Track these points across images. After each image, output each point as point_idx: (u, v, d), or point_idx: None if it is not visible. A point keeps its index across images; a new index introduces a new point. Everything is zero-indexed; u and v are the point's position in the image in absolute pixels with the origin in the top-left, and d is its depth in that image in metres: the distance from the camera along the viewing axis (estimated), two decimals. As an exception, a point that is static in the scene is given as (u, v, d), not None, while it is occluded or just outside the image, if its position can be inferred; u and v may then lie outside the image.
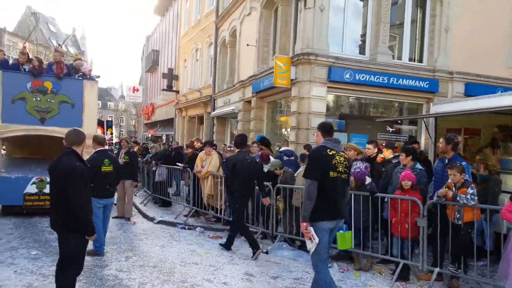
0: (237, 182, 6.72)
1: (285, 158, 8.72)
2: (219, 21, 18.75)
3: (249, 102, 14.74)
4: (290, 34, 12.48)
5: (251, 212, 8.06)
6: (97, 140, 6.79)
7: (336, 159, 4.25)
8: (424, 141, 11.17)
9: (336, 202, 4.26)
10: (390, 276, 5.94)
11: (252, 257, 6.54)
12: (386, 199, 6.10)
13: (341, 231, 6.01)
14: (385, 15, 11.12)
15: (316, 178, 4.14)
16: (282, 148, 9.73)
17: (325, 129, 4.48)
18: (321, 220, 4.16)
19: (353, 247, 6.07)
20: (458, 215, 5.33)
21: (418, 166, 6.24)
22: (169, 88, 26.83)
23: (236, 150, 7.21)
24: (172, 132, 27.86)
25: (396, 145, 7.89)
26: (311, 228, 4.13)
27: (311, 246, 4.17)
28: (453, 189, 5.34)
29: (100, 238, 6.06)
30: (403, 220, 5.72)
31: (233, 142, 7.82)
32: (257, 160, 7.58)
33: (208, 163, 8.79)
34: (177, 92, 26.40)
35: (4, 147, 11.08)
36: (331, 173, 4.19)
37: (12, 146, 10.78)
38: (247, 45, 14.43)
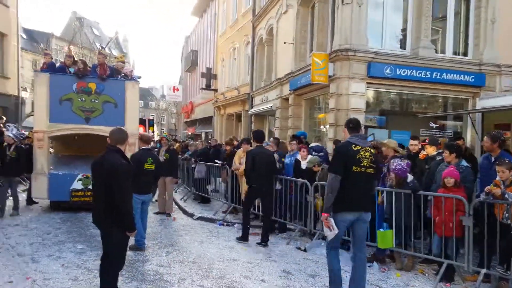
0: (255, 175, 7.11)
1: (314, 154, 8.67)
2: (256, 20, 18.80)
3: (286, 99, 14.69)
4: (327, 30, 12.31)
5: (288, 209, 8.01)
6: (143, 139, 7.17)
7: (361, 154, 4.40)
8: (470, 137, 10.70)
9: (359, 195, 4.41)
10: (434, 276, 5.73)
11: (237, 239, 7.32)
12: (429, 197, 5.88)
13: (381, 230, 5.92)
14: (427, 8, 10.79)
15: (339, 172, 4.33)
16: (312, 144, 9.63)
17: (351, 125, 4.63)
18: (343, 211, 4.37)
19: (394, 246, 5.93)
20: (507, 214, 5.06)
21: (464, 163, 5.98)
22: (208, 87, 27.21)
23: (255, 145, 7.48)
24: (211, 130, 28.24)
25: (439, 141, 7.60)
26: (331, 219, 4.35)
27: (329, 234, 4.44)
28: (502, 187, 5.08)
29: (140, 232, 6.23)
30: (447, 219, 5.50)
31: (252, 137, 8.16)
32: (273, 155, 7.88)
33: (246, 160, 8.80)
34: (216, 90, 26.74)
35: (52, 145, 11.60)
36: (354, 167, 4.35)
37: (59, 145, 11.27)
38: (284, 42, 14.37)
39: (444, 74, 10.68)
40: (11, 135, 9.40)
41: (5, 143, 9.06)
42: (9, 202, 9.15)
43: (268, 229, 7.27)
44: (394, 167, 5.99)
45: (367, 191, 4.55)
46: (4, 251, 6.15)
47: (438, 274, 5.54)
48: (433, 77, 10.64)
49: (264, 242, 7.11)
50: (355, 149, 4.39)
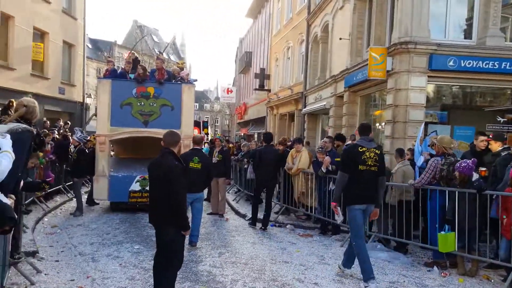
0: (260, 170, 8.50)
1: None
2: (311, 18, 18.58)
3: (341, 97, 14.32)
4: (386, 23, 11.83)
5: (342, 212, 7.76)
6: (195, 140, 7.45)
7: (366, 155, 5.14)
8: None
9: (365, 190, 5.17)
10: (501, 283, 5.28)
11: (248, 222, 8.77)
12: (494, 197, 5.40)
13: (443, 232, 5.53)
14: (496, -5, 9.96)
15: (346, 171, 5.21)
16: (348, 142, 9.29)
17: (361, 129, 5.48)
18: (353, 203, 5.21)
19: (456, 249, 5.52)
20: None
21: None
22: (261, 87, 27.34)
23: (264, 145, 8.84)
24: (264, 130, 28.32)
25: (506, 136, 6.98)
26: (339, 208, 5.40)
27: (337, 219, 5.60)
28: None
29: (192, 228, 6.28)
30: (517, 221, 5.01)
31: (262, 139, 9.50)
32: (278, 152, 8.94)
33: (298, 160, 8.68)
34: (269, 91, 26.78)
35: (113, 148, 12.17)
36: (360, 166, 5.11)
37: (118, 147, 11.78)
38: (340, 38, 14.03)
39: (515, 64, 9.81)
40: (76, 138, 9.98)
41: (71, 146, 9.60)
42: (73, 203, 9.66)
43: (269, 215, 8.41)
44: (458, 165, 5.58)
45: (373, 186, 5.22)
46: (67, 251, 6.49)
47: (506, 281, 5.09)
48: (502, 67, 9.82)
49: (264, 226, 8.28)
50: (361, 150, 5.14)
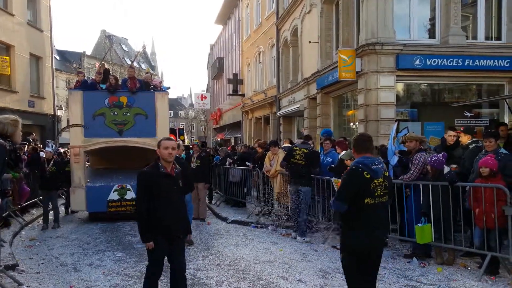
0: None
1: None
2: (280, 22, 18.84)
3: (314, 99, 14.59)
4: (353, 26, 12.17)
5: (322, 209, 7.92)
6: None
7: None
8: (509, 123, 10.23)
9: None
10: (477, 270, 5.51)
11: None
12: (466, 188, 5.66)
13: (419, 225, 5.74)
14: (455, -5, 10.42)
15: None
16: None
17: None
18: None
19: (433, 240, 5.74)
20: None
21: (503, 150, 5.72)
22: (235, 92, 27.45)
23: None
24: (240, 135, 28.42)
25: (475, 130, 7.32)
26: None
27: None
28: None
29: None
30: (489, 209, 5.28)
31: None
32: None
33: (276, 162, 8.81)
34: (243, 95, 26.92)
35: (88, 159, 11.99)
36: None
37: (94, 158, 11.63)
38: (309, 42, 14.31)
39: (477, 60, 10.30)
40: (51, 150, 9.79)
41: (42, 158, 9.43)
42: (50, 216, 9.48)
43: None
44: (430, 159, 5.82)
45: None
46: (48, 262, 6.38)
47: (481, 267, 5.33)
48: (466, 64, 10.30)
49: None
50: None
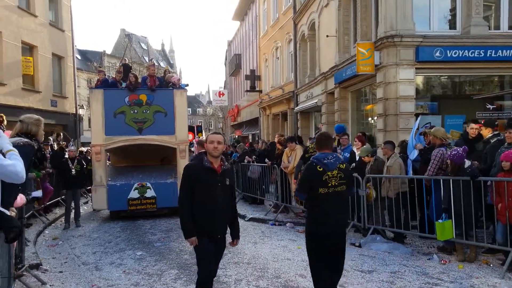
0: None
1: None
2: (297, 17, 18.70)
3: (332, 93, 14.46)
4: (371, 19, 11.98)
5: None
6: (201, 144, 7.63)
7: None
8: (534, 116, 9.92)
9: None
10: (500, 266, 5.39)
11: None
12: (488, 183, 5.52)
13: (440, 221, 5.64)
14: (477, -16, 10.13)
15: None
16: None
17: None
18: None
19: (454, 237, 5.63)
20: None
21: (527, 143, 5.55)
22: (252, 88, 27.39)
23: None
24: (258, 131, 28.40)
25: (497, 122, 7.12)
26: None
27: None
28: None
29: None
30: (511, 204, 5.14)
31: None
32: None
33: (293, 158, 8.78)
34: (260, 91, 26.86)
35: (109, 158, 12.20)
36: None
37: (114, 157, 11.80)
38: (327, 36, 14.16)
39: (500, 51, 10.00)
40: (74, 149, 10.01)
41: (65, 157, 9.64)
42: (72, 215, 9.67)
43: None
44: (450, 153, 5.70)
45: None
46: (70, 261, 6.54)
47: (504, 264, 5.20)
48: (488, 55, 10.01)
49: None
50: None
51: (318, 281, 3.83)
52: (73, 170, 9.28)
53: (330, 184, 3.76)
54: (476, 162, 6.12)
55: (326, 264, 3.80)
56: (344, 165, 3.94)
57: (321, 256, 3.80)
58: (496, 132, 6.29)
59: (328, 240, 3.78)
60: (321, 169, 3.77)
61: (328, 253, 3.79)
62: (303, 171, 4.24)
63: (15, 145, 3.47)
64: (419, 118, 8.68)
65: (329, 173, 3.76)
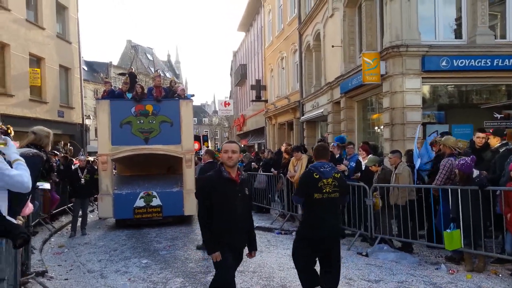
0: None
1: None
2: (302, 27, 18.83)
3: (338, 103, 14.47)
4: (376, 29, 12.04)
5: (347, 215, 7.82)
6: (210, 153, 7.75)
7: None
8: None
9: None
10: (509, 277, 5.31)
11: None
12: (497, 193, 5.46)
13: (448, 230, 5.58)
14: (482, -6, 10.16)
15: None
16: None
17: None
18: None
19: (462, 246, 5.56)
20: None
21: (535, 152, 5.50)
22: (258, 98, 27.53)
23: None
24: (263, 141, 28.44)
25: (505, 132, 7.07)
26: None
27: None
28: None
29: None
30: (521, 214, 5.07)
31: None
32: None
33: (300, 167, 8.76)
34: (266, 101, 26.98)
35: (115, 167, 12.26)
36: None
37: (121, 166, 11.88)
38: (332, 46, 14.22)
39: (507, 60, 9.99)
40: (84, 158, 10.10)
41: (74, 166, 9.70)
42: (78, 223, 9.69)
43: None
44: (458, 163, 5.65)
45: None
46: (76, 269, 6.54)
47: (515, 275, 5.11)
48: (494, 64, 10.00)
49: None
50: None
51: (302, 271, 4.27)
52: (83, 179, 9.36)
53: (324, 191, 4.08)
54: (484, 172, 6.06)
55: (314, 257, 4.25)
56: (339, 174, 4.27)
57: (319, 258, 4.22)
58: (504, 141, 6.24)
59: (323, 244, 4.10)
60: (317, 176, 4.10)
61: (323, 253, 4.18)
62: (301, 177, 4.56)
63: (24, 156, 3.51)
64: (419, 127, 8.67)
65: (324, 180, 4.09)
